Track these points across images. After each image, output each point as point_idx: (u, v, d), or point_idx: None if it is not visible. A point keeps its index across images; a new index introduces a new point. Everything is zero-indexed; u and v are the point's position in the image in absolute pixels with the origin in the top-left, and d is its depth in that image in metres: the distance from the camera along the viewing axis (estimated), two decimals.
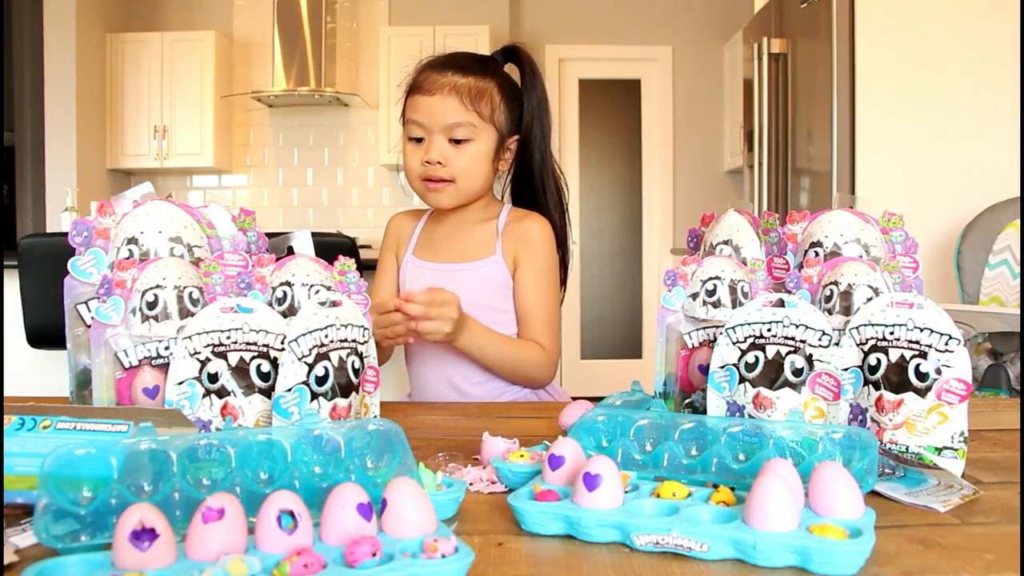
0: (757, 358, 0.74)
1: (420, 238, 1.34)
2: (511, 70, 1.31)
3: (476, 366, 1.22)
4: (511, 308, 1.26)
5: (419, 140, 1.22)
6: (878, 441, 0.68)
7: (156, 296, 0.74)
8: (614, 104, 5.30)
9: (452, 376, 1.25)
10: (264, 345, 0.72)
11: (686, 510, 0.56)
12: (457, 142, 1.20)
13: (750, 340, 0.75)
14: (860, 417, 0.73)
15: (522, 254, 1.25)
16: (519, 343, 1.25)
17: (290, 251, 0.87)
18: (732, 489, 0.60)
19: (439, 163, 1.20)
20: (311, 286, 0.80)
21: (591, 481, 0.57)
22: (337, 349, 0.74)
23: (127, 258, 0.77)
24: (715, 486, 0.61)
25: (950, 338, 0.69)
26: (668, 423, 0.69)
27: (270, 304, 0.78)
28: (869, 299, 0.76)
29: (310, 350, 0.71)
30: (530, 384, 1.27)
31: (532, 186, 1.31)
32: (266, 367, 0.72)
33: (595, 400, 0.85)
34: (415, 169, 1.22)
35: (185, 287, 0.75)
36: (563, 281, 1.36)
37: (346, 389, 0.74)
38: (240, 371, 0.71)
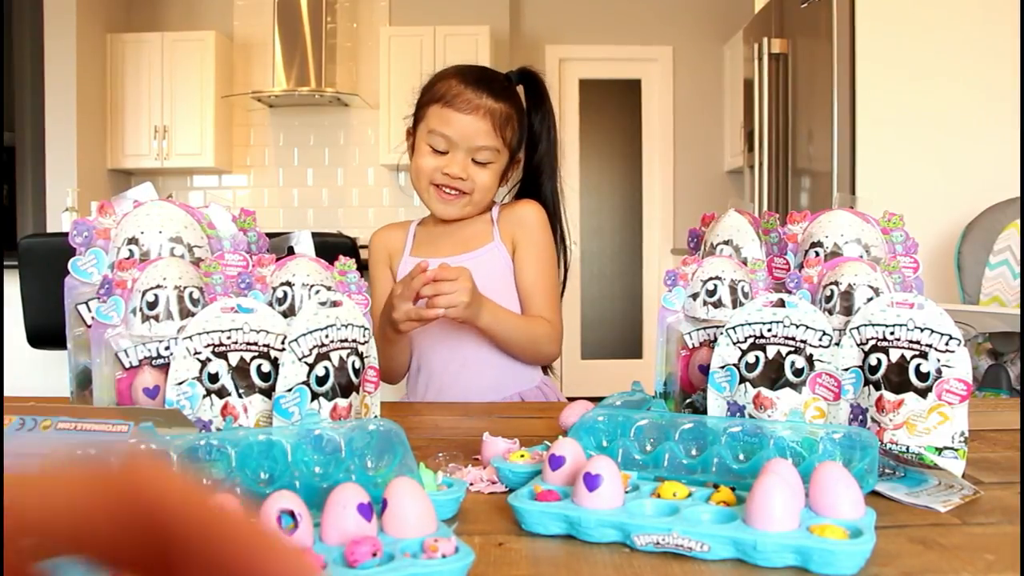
0: (757, 358, 0.74)
1: (416, 242, 1.35)
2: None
3: (489, 344, 1.23)
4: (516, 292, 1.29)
5: (440, 151, 1.24)
6: (878, 441, 0.68)
7: (156, 296, 0.74)
8: (614, 104, 5.29)
9: (465, 350, 1.26)
10: (264, 345, 0.72)
11: (686, 510, 0.56)
12: (480, 163, 1.24)
13: (750, 340, 0.75)
14: (860, 417, 0.73)
15: (519, 235, 1.30)
16: (529, 318, 1.28)
17: (290, 251, 0.87)
18: (732, 489, 0.59)
19: (461, 178, 1.23)
20: (311, 286, 0.80)
21: (591, 481, 0.56)
22: (337, 349, 0.74)
23: (127, 258, 0.77)
24: (715, 486, 0.61)
25: (950, 338, 0.69)
26: (668, 423, 0.69)
27: (270, 304, 0.78)
28: (869, 299, 0.76)
29: (310, 350, 0.71)
30: (540, 359, 1.30)
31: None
32: (266, 367, 0.72)
33: (595, 400, 0.85)
34: (430, 174, 1.24)
35: (185, 287, 0.75)
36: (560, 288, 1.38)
37: (346, 389, 0.74)
38: (240, 371, 0.71)
